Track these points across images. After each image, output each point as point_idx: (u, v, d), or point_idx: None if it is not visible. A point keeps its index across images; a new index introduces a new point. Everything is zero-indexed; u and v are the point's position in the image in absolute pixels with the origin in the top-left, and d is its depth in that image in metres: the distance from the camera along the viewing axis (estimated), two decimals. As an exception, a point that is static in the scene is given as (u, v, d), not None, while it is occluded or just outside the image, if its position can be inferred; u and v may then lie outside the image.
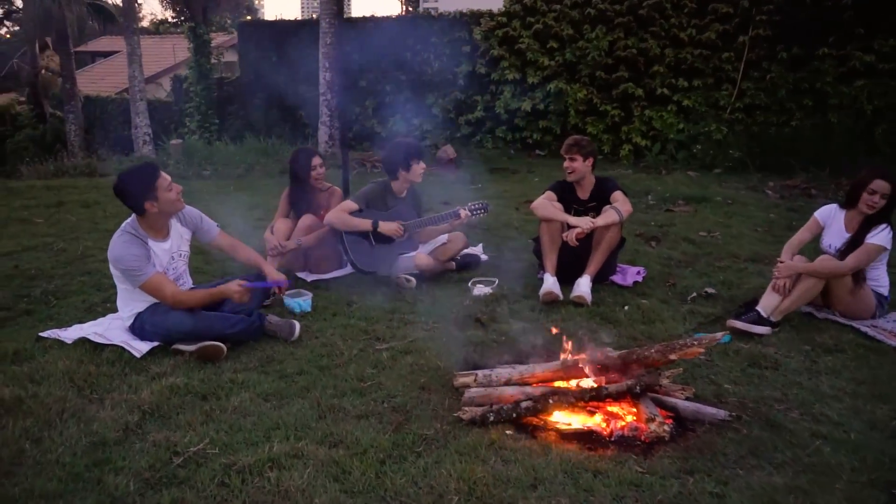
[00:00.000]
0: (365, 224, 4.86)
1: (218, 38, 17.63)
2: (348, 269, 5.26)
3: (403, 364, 3.66)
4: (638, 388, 3.08)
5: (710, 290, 4.73)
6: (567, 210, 4.84)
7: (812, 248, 4.55)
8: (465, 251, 5.38)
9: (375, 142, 13.02)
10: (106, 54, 29.86)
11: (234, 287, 3.81)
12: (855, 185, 4.23)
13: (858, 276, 4.15)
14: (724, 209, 7.52)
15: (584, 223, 4.61)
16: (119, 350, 3.71)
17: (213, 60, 14.96)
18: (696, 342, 3.14)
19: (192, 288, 4.06)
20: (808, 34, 10.05)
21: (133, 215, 3.81)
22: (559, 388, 3.24)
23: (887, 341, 3.94)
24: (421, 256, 4.95)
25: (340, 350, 3.82)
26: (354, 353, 3.79)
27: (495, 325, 4.24)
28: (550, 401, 3.07)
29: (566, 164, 4.85)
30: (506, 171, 10.50)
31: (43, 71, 21.89)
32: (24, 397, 3.17)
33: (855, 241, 4.14)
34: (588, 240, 4.69)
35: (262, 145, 11.46)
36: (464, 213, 5.06)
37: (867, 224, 4.13)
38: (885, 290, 4.27)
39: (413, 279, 4.91)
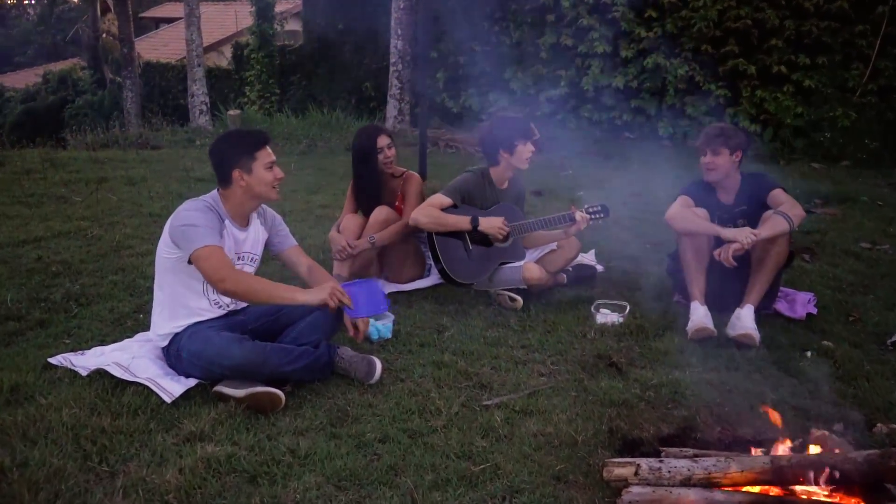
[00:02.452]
0: (462, 222, 3.84)
1: (282, 5, 16.77)
2: (434, 279, 4.26)
3: (524, 432, 2.64)
4: (912, 521, 1.99)
5: (916, 333, 3.57)
6: (710, 218, 3.71)
7: None
8: (578, 261, 4.33)
9: (447, 118, 11.96)
10: (171, 20, 29.47)
11: (329, 289, 2.91)
12: None
13: None
14: (877, 213, 6.24)
15: (743, 236, 3.47)
16: (145, 391, 2.80)
17: (275, 27, 14.06)
18: None
19: (243, 309, 3.15)
20: (966, 5, 8.53)
21: (216, 189, 3.03)
22: (775, 500, 2.19)
23: None
24: (531, 267, 3.90)
25: (436, 404, 2.82)
26: (454, 410, 2.79)
27: (636, 371, 3.19)
28: (767, 529, 2.02)
29: (707, 159, 3.72)
30: (597, 155, 9.32)
31: (104, 35, 21.43)
32: (9, 467, 2.28)
33: None
34: (743, 256, 3.56)
35: (325, 118, 10.54)
36: (580, 216, 3.99)
37: None
38: None
39: (519, 298, 3.87)
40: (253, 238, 3.11)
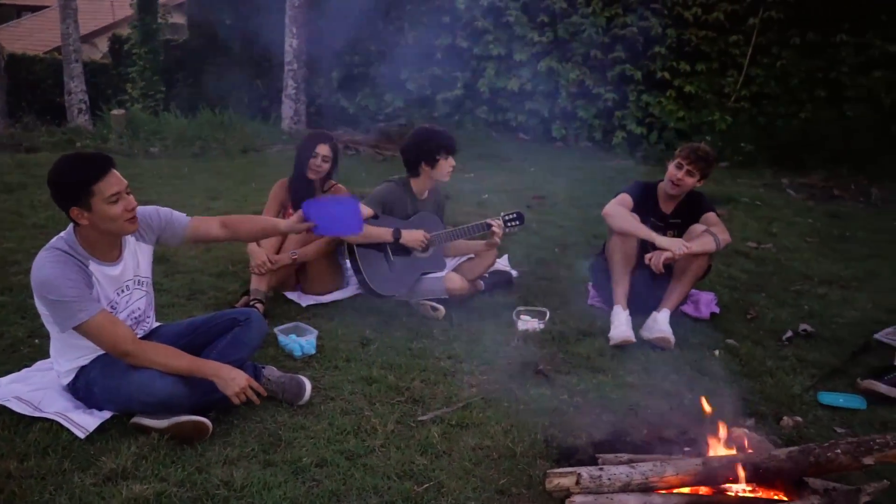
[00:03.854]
0: (385, 234, 3.79)
1: (164, -4, 15.89)
2: (352, 289, 4.19)
3: (463, 447, 2.65)
4: (832, 512, 2.15)
5: (807, 329, 3.85)
6: (643, 223, 3.85)
7: None
8: (493, 267, 4.38)
9: (342, 119, 11.79)
10: (35, 9, 27.30)
11: (243, 383, 2.66)
12: None
13: None
14: (758, 213, 6.70)
15: (676, 247, 3.63)
16: (54, 427, 2.58)
17: (159, 20, 13.31)
18: (902, 441, 2.22)
19: (153, 331, 2.95)
20: (825, 19, 9.28)
21: (70, 225, 2.63)
22: (707, 500, 2.30)
23: None
24: (453, 277, 3.91)
25: (371, 423, 2.77)
26: (390, 427, 2.75)
27: (562, 377, 3.26)
28: (706, 530, 2.12)
29: (679, 174, 3.81)
30: (496, 157, 9.47)
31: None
32: None
33: None
34: (668, 264, 3.72)
35: (217, 118, 10.08)
36: (496, 224, 4.03)
37: None
38: None
39: (441, 307, 3.87)
40: (132, 263, 2.77)
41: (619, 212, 3.81)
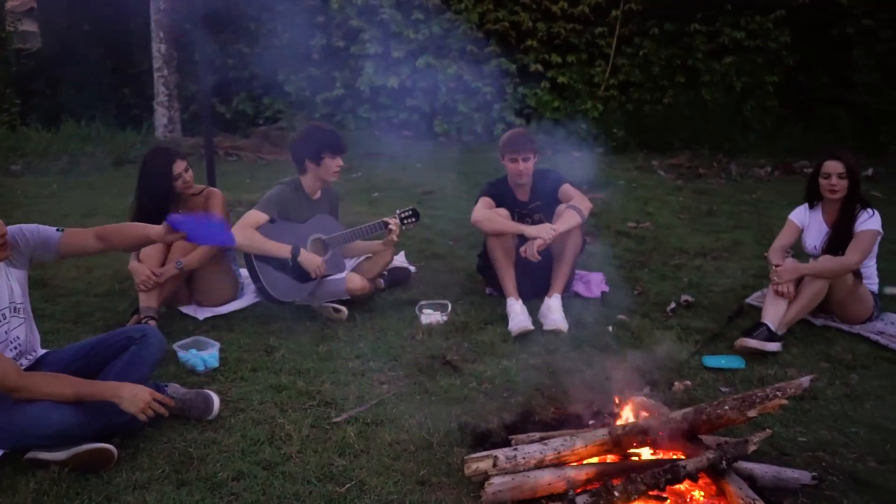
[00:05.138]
0: (282, 251, 3.72)
1: (11, 1, 14.73)
2: (250, 298, 4.11)
3: (380, 444, 2.68)
4: (724, 462, 2.34)
5: (688, 299, 4.15)
6: (510, 216, 4.01)
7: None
8: (392, 264, 4.42)
9: (219, 124, 11.41)
10: None
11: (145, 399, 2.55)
12: (810, 179, 3.92)
13: (858, 273, 3.76)
14: (634, 194, 7.11)
15: (544, 233, 3.81)
16: (-62, 472, 2.40)
17: (8, 28, 12.35)
18: (777, 392, 2.46)
19: (40, 359, 2.78)
20: (680, 9, 9.94)
21: None
22: (615, 467, 2.45)
23: (901, 349, 3.56)
24: (354, 278, 3.91)
25: (285, 430, 2.75)
26: (305, 432, 2.74)
27: (469, 366, 3.35)
28: (616, 493, 2.26)
29: (519, 167, 3.99)
30: (381, 155, 9.50)
31: None
32: None
33: (838, 233, 3.77)
34: (546, 249, 3.89)
35: (84, 131, 9.51)
36: (393, 222, 4.07)
37: (847, 213, 3.76)
38: (876, 288, 3.91)
39: (343, 308, 3.87)
40: (5, 291, 2.58)
41: (486, 215, 3.97)
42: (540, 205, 4.12)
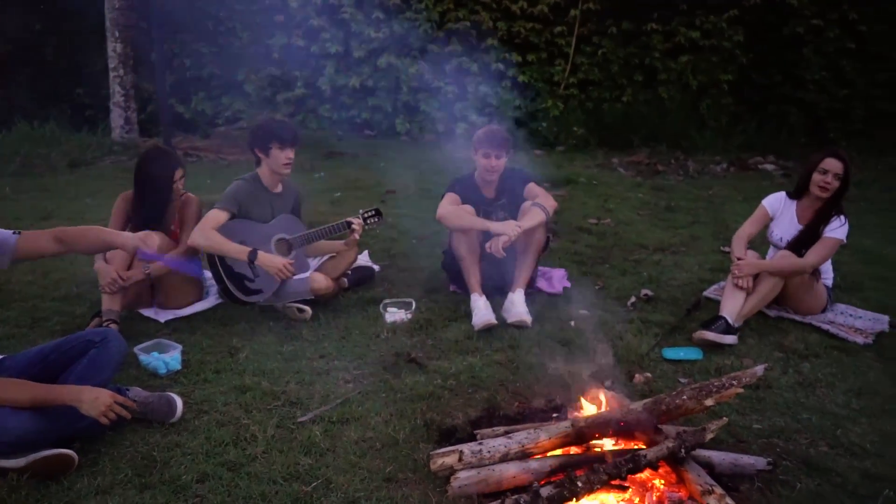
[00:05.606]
0: (241, 253, 3.68)
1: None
2: (213, 300, 4.07)
3: (346, 442, 2.69)
4: (683, 450, 2.41)
5: (648, 293, 4.23)
6: (475, 213, 4.05)
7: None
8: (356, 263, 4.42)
9: (178, 125, 11.24)
10: None
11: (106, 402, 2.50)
12: (806, 169, 3.92)
13: (816, 271, 3.87)
14: (595, 191, 7.20)
15: (510, 229, 3.85)
16: None
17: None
18: (733, 381, 2.54)
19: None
20: (637, 9, 10.10)
21: None
22: (578, 458, 2.50)
23: (850, 338, 3.68)
24: (318, 277, 3.89)
25: (250, 430, 2.74)
26: (270, 433, 2.73)
27: (434, 363, 3.38)
28: (579, 483, 2.30)
29: (491, 162, 4.02)
30: (343, 155, 9.46)
31: None
32: None
33: (809, 233, 3.84)
34: (510, 245, 3.94)
35: (37, 132, 9.26)
36: (356, 222, 4.07)
37: (822, 215, 3.83)
38: (831, 282, 4.04)
39: (308, 308, 3.86)
40: None
41: (452, 211, 3.99)
42: (506, 203, 4.17)
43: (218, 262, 3.68)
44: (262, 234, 3.83)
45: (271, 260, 3.71)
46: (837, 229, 3.77)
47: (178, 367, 3.25)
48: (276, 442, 2.67)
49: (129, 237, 2.80)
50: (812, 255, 3.74)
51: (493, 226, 3.89)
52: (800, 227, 3.90)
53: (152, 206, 3.84)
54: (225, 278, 3.68)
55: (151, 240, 2.81)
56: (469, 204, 4.08)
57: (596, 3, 10.32)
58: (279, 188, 4.01)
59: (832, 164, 3.78)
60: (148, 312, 3.90)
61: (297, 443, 2.67)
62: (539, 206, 3.99)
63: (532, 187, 4.14)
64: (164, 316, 3.85)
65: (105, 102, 10.71)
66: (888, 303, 4.17)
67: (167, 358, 3.21)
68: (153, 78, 11.49)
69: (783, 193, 4.06)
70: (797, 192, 3.99)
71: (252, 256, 3.68)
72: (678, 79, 10.10)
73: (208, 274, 3.96)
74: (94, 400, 2.48)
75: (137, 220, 3.81)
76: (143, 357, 3.24)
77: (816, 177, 3.82)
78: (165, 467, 2.51)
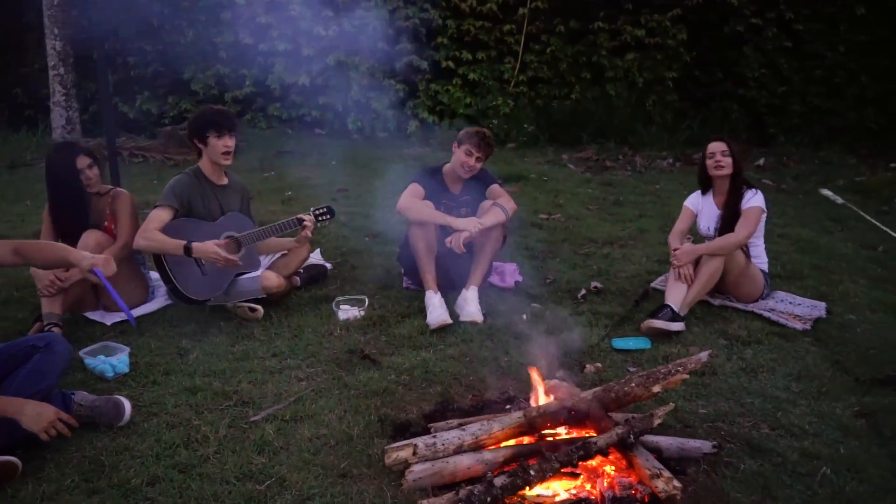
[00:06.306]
0: (175, 248, 3.57)
1: None
2: (161, 301, 4.00)
3: (300, 439, 2.68)
4: (632, 436, 2.47)
5: (597, 286, 4.31)
6: (436, 207, 4.07)
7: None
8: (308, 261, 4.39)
9: (122, 124, 10.96)
10: None
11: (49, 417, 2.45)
12: (700, 164, 4.22)
13: (748, 253, 4.03)
14: (545, 187, 7.28)
15: (471, 226, 3.88)
16: None
17: None
18: (679, 368, 2.62)
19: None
20: (583, 7, 10.25)
21: None
22: (531, 448, 2.54)
23: (790, 325, 3.82)
24: (269, 275, 3.86)
25: (201, 431, 2.71)
26: (222, 433, 2.71)
27: (388, 359, 3.39)
28: (532, 472, 2.35)
29: (471, 161, 4.05)
30: (294, 153, 9.36)
31: None
32: None
33: (729, 213, 4.04)
34: (469, 242, 3.97)
35: (-28, 133, 8.95)
36: (308, 218, 4.05)
37: (734, 192, 4.06)
38: (766, 267, 4.19)
39: (259, 307, 3.82)
40: None
41: (413, 204, 4.00)
42: (469, 200, 4.21)
43: (165, 262, 3.60)
44: (209, 233, 3.76)
45: (205, 247, 3.57)
46: (752, 199, 4.01)
47: (127, 369, 3.19)
48: (228, 442, 2.65)
49: (86, 256, 2.77)
50: (741, 229, 3.92)
51: (455, 221, 3.91)
52: (720, 212, 4.09)
53: (67, 202, 3.72)
54: (173, 278, 3.61)
55: (110, 265, 2.80)
56: (433, 197, 4.08)
57: (544, 2, 10.42)
58: (224, 180, 3.94)
59: (714, 146, 4.09)
60: (94, 315, 3.82)
61: (249, 442, 2.65)
62: (500, 206, 4.05)
63: (495, 188, 4.20)
64: (110, 318, 3.78)
65: (45, 102, 10.38)
66: (825, 290, 4.34)
67: (115, 361, 3.15)
68: (95, 76, 11.20)
69: (698, 191, 4.32)
70: (704, 185, 4.26)
71: (187, 248, 3.57)
72: (625, 76, 10.27)
73: (155, 275, 3.88)
74: (38, 415, 2.44)
75: (62, 221, 3.71)
76: (89, 360, 3.17)
77: (708, 162, 4.12)
78: (114, 471, 2.46)
